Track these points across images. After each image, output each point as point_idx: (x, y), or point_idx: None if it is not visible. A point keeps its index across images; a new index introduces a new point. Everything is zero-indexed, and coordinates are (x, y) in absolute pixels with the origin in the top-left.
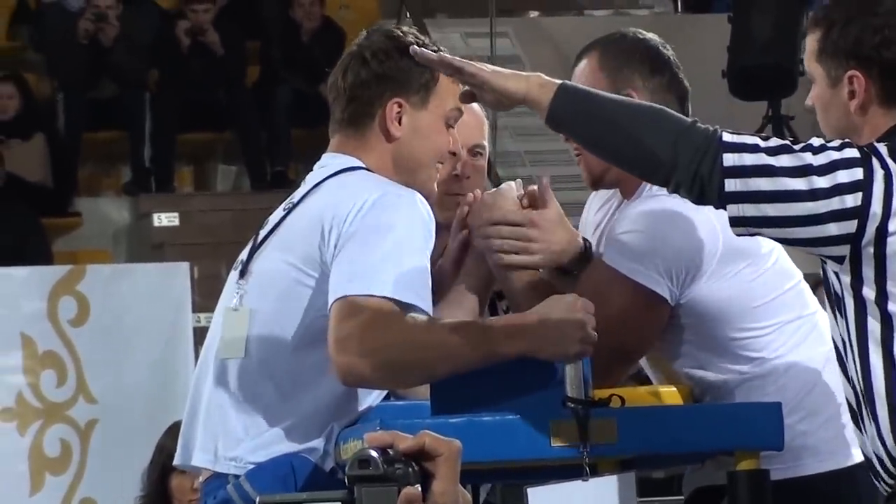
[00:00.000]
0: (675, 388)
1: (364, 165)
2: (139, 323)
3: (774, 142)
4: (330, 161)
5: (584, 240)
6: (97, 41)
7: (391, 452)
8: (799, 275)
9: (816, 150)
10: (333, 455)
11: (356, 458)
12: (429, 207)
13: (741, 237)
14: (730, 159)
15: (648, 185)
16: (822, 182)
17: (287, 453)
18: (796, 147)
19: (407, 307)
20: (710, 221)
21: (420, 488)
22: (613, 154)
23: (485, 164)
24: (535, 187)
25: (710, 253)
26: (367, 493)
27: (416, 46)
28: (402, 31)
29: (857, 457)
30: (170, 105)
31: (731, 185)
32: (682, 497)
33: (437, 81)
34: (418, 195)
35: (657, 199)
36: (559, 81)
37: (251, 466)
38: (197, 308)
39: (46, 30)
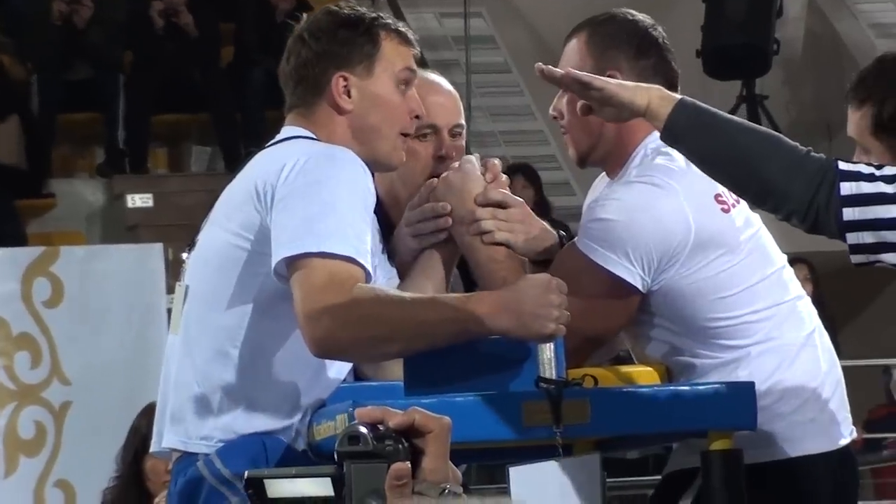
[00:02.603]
0: (649, 369)
1: (312, 136)
2: (113, 304)
3: (889, 170)
4: (280, 135)
5: (559, 232)
6: (71, 22)
7: (381, 428)
8: (781, 260)
9: None
10: (306, 436)
11: (346, 434)
12: (363, 163)
13: (709, 228)
14: (847, 188)
15: (630, 167)
16: None
17: (258, 432)
18: None
19: (348, 261)
20: (683, 211)
21: (409, 464)
22: (725, 175)
23: (463, 142)
24: (496, 161)
25: (681, 242)
26: (357, 469)
27: (540, 64)
28: (339, 6)
29: (833, 443)
30: (144, 86)
31: (850, 213)
32: (656, 477)
33: (380, 47)
34: (351, 152)
35: (630, 187)
36: (678, 96)
37: (221, 445)
38: (171, 289)
39: (19, 11)
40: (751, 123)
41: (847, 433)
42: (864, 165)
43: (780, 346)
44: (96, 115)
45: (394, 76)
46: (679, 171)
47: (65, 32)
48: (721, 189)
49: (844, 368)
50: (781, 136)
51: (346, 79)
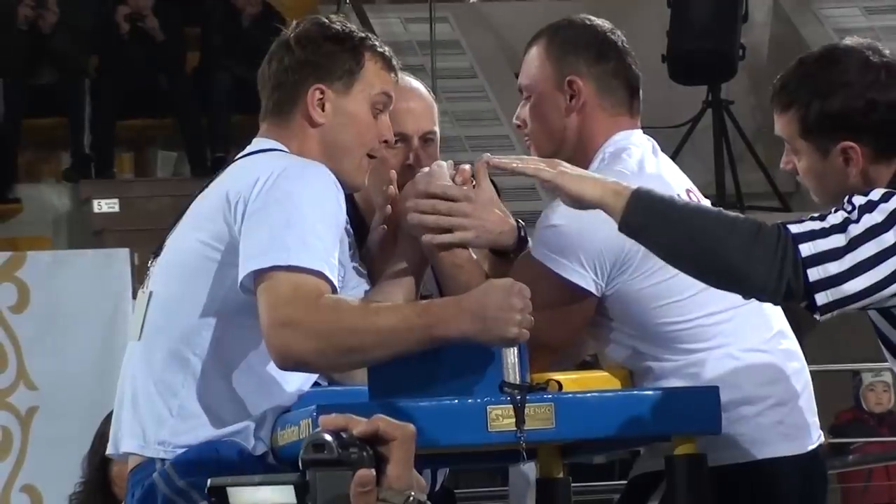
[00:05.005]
0: (613, 373)
1: (284, 149)
2: (80, 310)
3: (834, 217)
4: (252, 146)
5: (518, 221)
6: (36, 27)
7: (345, 436)
8: None
9: (871, 209)
10: (267, 440)
11: (311, 442)
12: (336, 180)
13: None
14: (806, 249)
15: (594, 168)
16: (890, 236)
17: (213, 439)
18: (853, 215)
19: (315, 274)
20: None
21: (374, 472)
22: (689, 266)
23: (436, 150)
24: (467, 167)
25: (633, 246)
26: (322, 477)
27: (488, 155)
28: (329, 19)
29: (802, 447)
30: (110, 91)
31: (814, 273)
32: (622, 482)
33: (363, 67)
34: (324, 167)
35: None
36: (633, 188)
37: (179, 451)
38: (137, 295)
39: None
40: (706, 207)
41: (815, 437)
42: (811, 222)
43: (742, 349)
44: (62, 120)
45: (370, 98)
46: (632, 175)
47: (30, 37)
48: (677, 192)
49: (811, 373)
50: (737, 216)
51: (322, 92)
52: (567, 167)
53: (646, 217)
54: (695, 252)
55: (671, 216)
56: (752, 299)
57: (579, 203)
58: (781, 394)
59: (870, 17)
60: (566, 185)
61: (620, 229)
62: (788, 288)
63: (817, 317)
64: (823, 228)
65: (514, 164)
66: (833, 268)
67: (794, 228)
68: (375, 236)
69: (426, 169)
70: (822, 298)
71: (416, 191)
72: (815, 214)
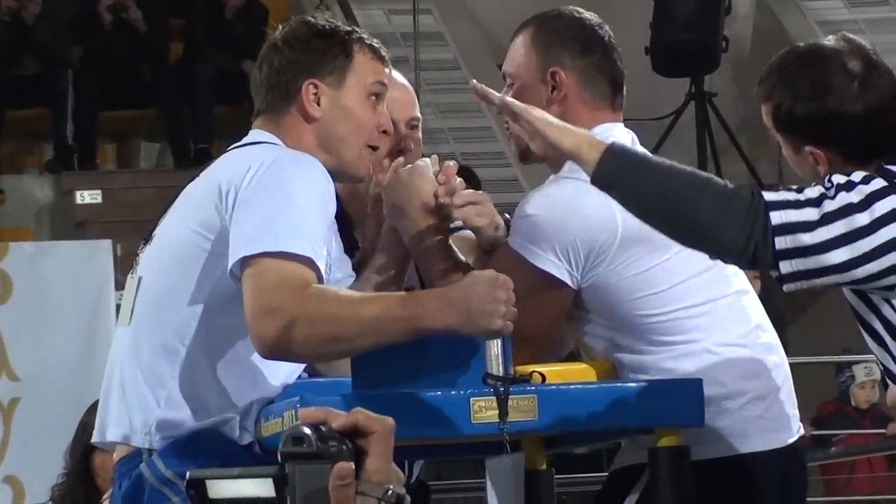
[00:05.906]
0: (596, 366)
1: (278, 142)
2: (62, 301)
3: (811, 191)
4: (247, 138)
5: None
6: (19, 18)
7: (324, 429)
8: None
9: (849, 188)
10: (252, 430)
11: (290, 436)
12: (326, 172)
13: (637, 224)
14: (777, 217)
15: (567, 162)
16: (864, 217)
17: (200, 429)
18: (830, 192)
19: (303, 261)
20: (610, 207)
21: (353, 465)
22: (658, 221)
23: (420, 135)
24: (451, 163)
25: (608, 238)
26: (301, 470)
27: (474, 81)
28: (314, 17)
29: (782, 440)
30: (93, 82)
31: (782, 242)
32: (604, 473)
33: (353, 58)
34: (315, 159)
35: (558, 183)
36: (608, 142)
37: (166, 441)
38: (120, 286)
39: None
40: (680, 166)
41: (795, 430)
42: (786, 192)
43: (720, 343)
44: (45, 111)
45: (365, 88)
46: None
47: (13, 28)
48: None
49: (793, 366)
50: (711, 176)
51: (316, 86)
52: (550, 117)
53: (619, 172)
54: (666, 209)
55: (644, 173)
56: (719, 260)
57: (555, 151)
58: (762, 388)
59: (852, 9)
60: (545, 130)
61: (593, 182)
62: (755, 253)
63: (785, 288)
64: (798, 200)
65: (503, 98)
66: (802, 239)
67: (769, 196)
68: (377, 231)
69: (409, 165)
70: (786, 267)
71: (398, 195)
72: (793, 186)
